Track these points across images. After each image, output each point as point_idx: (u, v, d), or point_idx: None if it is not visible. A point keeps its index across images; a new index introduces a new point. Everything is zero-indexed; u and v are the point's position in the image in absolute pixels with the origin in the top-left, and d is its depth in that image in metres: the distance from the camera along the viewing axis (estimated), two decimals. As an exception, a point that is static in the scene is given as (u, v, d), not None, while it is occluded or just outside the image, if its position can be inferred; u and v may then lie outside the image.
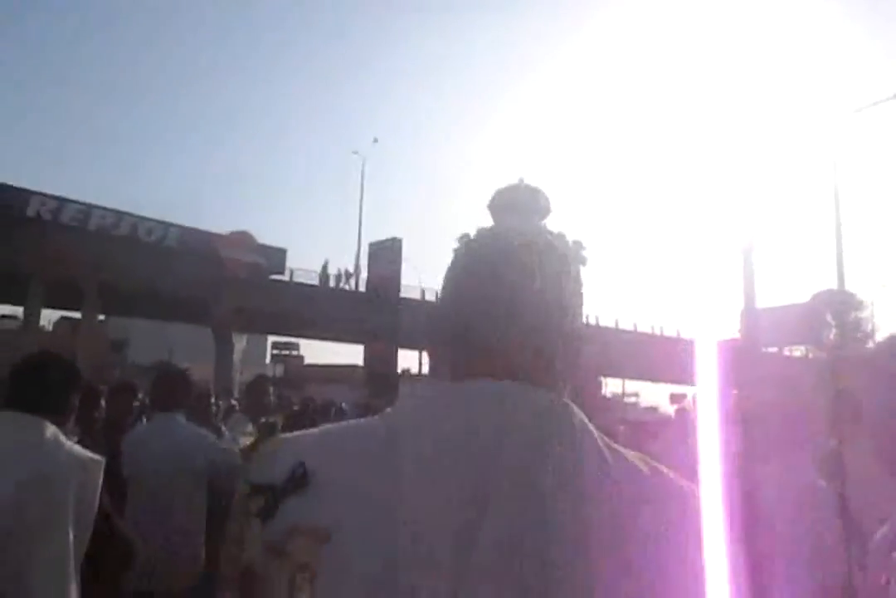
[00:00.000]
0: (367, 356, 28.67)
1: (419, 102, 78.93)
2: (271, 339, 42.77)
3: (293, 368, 38.73)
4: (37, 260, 21.52)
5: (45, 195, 21.52)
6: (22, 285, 22.90)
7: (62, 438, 2.04)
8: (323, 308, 26.41)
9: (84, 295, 25.01)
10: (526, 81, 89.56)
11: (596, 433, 0.73)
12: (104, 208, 22.27)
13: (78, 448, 2.06)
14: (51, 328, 29.09)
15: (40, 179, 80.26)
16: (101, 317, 29.94)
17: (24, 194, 21.25)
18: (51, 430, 2.04)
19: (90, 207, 22.00)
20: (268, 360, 43.77)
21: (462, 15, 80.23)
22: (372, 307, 27.48)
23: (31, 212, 20.96)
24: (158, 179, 75.47)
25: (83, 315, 26.91)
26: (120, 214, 22.39)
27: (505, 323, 0.79)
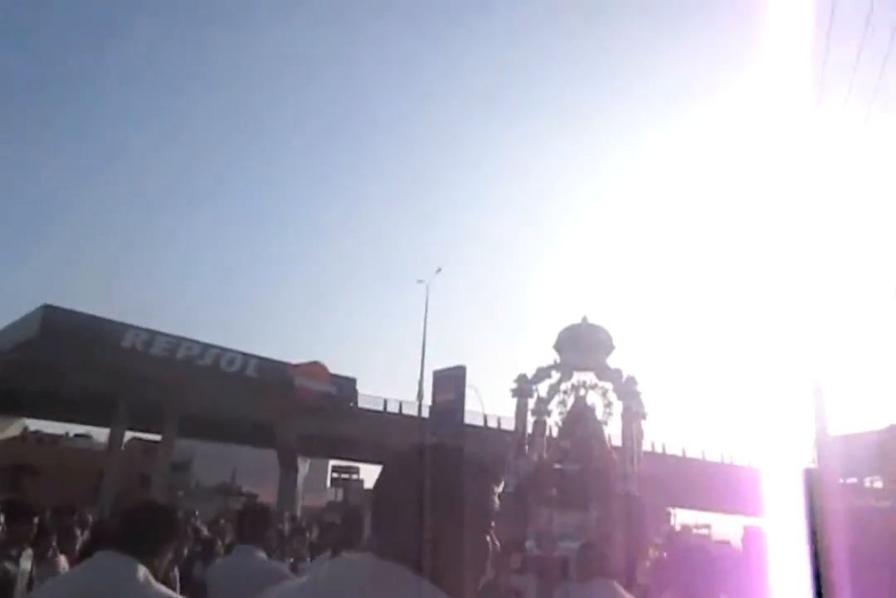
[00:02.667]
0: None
1: (483, 232, 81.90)
2: (332, 463, 42.12)
3: (353, 493, 37.91)
4: (126, 386, 22.66)
5: (139, 328, 22.89)
6: (109, 409, 24.05)
7: (152, 580, 2.27)
8: (387, 434, 26.37)
9: (165, 419, 25.95)
10: (589, 212, 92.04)
11: None
12: (191, 340, 23.50)
13: (165, 590, 2.30)
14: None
15: (133, 312, 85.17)
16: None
17: (120, 327, 22.67)
18: (143, 571, 2.27)
19: (179, 339, 23.26)
20: (328, 484, 42.97)
21: (527, 146, 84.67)
22: (435, 433, 27.30)
23: (125, 343, 22.23)
24: (237, 311, 79.00)
25: (163, 438, 27.70)
26: (205, 346, 23.57)
27: None
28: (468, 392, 31.65)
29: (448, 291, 76.88)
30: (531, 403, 18.34)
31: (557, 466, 16.17)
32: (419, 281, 35.04)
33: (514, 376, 18.56)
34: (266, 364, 24.34)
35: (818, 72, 8.17)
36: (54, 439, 32.24)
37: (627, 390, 17.27)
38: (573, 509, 14.99)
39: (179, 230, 79.11)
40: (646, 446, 35.55)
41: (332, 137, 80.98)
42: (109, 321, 22.45)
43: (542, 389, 18.45)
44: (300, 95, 79.49)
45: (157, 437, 28.41)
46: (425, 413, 30.03)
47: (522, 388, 18.25)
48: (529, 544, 11.38)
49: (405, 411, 30.82)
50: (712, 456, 41.06)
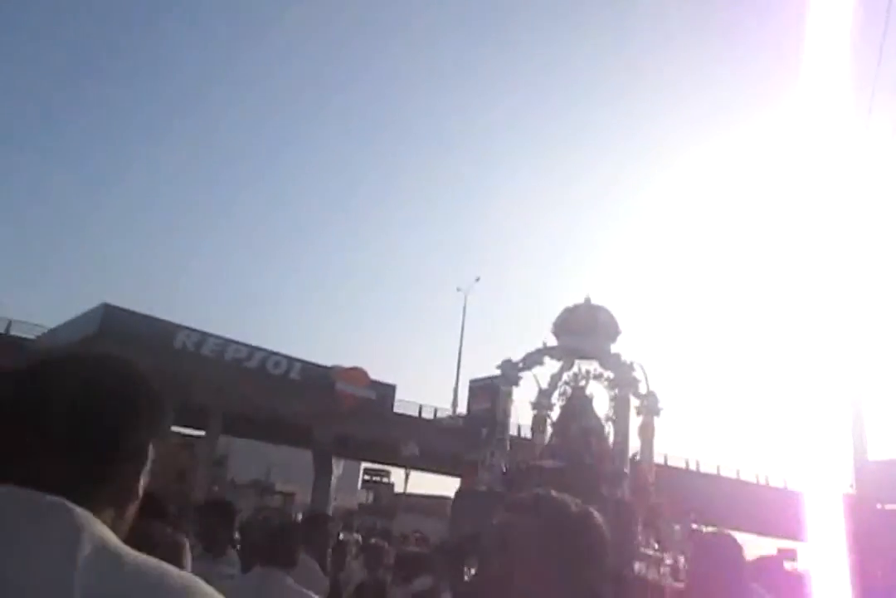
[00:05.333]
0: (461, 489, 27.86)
1: (522, 241, 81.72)
2: (364, 465, 42.19)
3: (383, 496, 37.78)
4: (175, 383, 23.01)
5: (190, 329, 23.33)
6: None
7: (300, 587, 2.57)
8: (422, 439, 26.32)
9: (209, 416, 26.45)
10: (630, 220, 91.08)
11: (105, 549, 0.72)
12: (239, 342, 23.86)
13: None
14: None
15: (187, 313, 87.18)
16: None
17: (173, 328, 23.13)
18: (290, 580, 2.58)
19: (227, 341, 23.63)
20: (359, 486, 43.07)
21: (558, 157, 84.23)
22: (469, 442, 27.10)
23: (177, 344, 22.66)
24: (282, 316, 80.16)
25: (206, 434, 28.23)
26: (252, 349, 23.90)
27: None
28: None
29: (487, 299, 76.33)
30: (518, 392, 15.89)
31: (538, 463, 14.16)
32: (458, 289, 35.13)
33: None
34: (309, 368, 24.56)
35: (868, 80, 7.91)
36: None
37: (629, 379, 14.89)
38: None
39: (233, 238, 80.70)
40: (678, 463, 34.86)
41: (371, 144, 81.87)
42: (163, 321, 22.92)
43: (543, 379, 16.05)
44: (332, 100, 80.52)
45: (195, 432, 29.04)
46: (461, 422, 29.91)
47: (508, 375, 15.75)
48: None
49: (440, 417, 30.71)
50: (747, 476, 39.95)
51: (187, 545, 2.36)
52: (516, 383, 15.74)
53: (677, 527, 14.30)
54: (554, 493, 1.11)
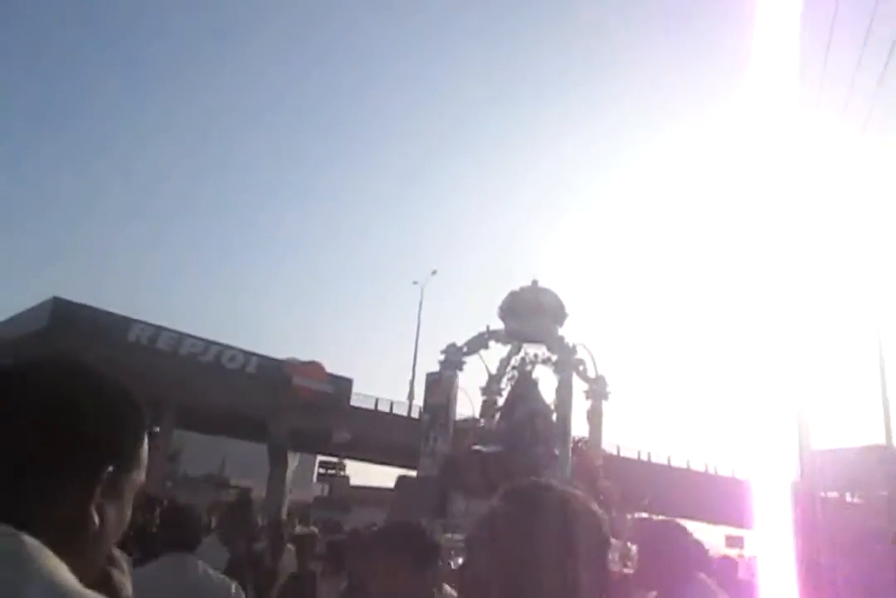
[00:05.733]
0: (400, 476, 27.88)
1: (476, 231, 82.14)
2: (319, 459, 42.01)
3: (339, 488, 37.64)
4: (128, 378, 22.51)
5: (144, 323, 22.83)
6: None
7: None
8: (376, 432, 26.34)
9: (164, 412, 26.04)
10: (586, 212, 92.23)
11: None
12: (195, 337, 23.44)
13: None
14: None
15: (141, 307, 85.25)
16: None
17: (126, 321, 22.59)
18: (198, 562, 2.68)
19: (182, 335, 23.19)
20: (314, 479, 42.88)
21: (522, 147, 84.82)
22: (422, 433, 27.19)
23: (131, 338, 22.16)
24: (237, 310, 79.12)
25: (161, 430, 27.78)
26: (208, 343, 23.50)
27: None
28: (460, 395, 31.66)
29: (443, 292, 76.71)
30: (468, 377, 15.39)
31: (478, 447, 13.66)
32: (414, 282, 34.91)
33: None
34: (266, 362, 24.30)
35: (817, 76, 8.13)
36: None
37: (572, 362, 14.65)
38: (491, 498, 12.17)
39: (184, 231, 79.12)
40: (631, 454, 35.47)
41: (326, 138, 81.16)
42: (116, 315, 22.37)
43: (493, 365, 15.73)
44: (293, 95, 79.67)
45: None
46: (415, 414, 29.99)
47: (451, 359, 15.26)
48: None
49: (396, 410, 30.66)
50: (697, 466, 40.96)
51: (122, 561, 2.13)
52: (460, 368, 15.31)
53: (629, 516, 14.35)
54: (556, 483, 1.02)
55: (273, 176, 79.48)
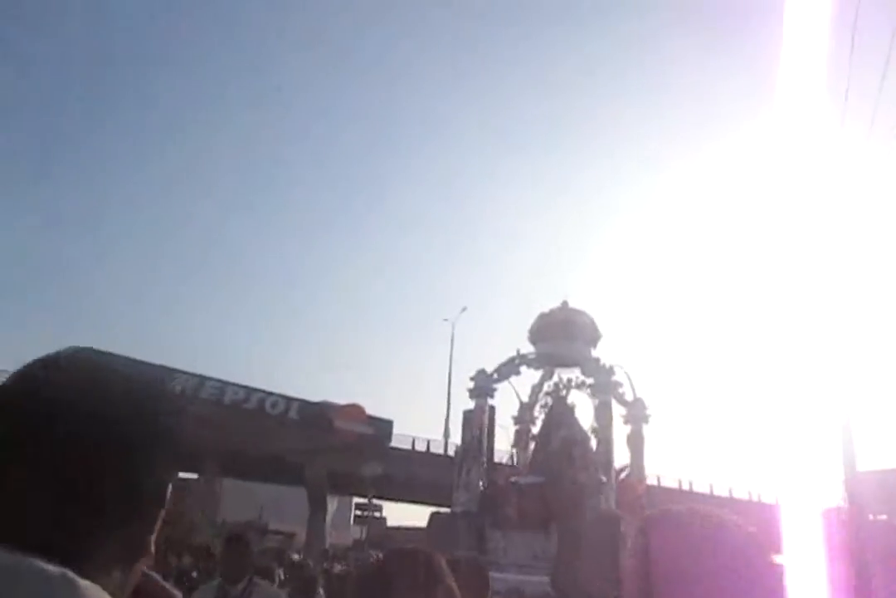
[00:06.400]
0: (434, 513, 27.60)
1: (502, 264, 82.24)
2: (355, 501, 41.90)
3: (376, 530, 37.49)
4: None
5: (187, 373, 23.48)
6: None
7: None
8: (414, 472, 26.40)
9: (206, 460, 26.60)
10: (613, 246, 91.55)
11: None
12: (237, 384, 24.04)
13: None
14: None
15: (184, 357, 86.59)
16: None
17: (168, 372, 23.27)
18: None
19: (225, 383, 23.80)
20: (351, 521, 42.75)
21: (548, 183, 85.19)
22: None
23: (175, 388, 22.80)
24: (264, 353, 79.92)
25: (204, 477, 28.28)
26: (250, 390, 24.09)
27: None
28: (498, 431, 31.58)
29: (475, 328, 76.66)
30: (492, 403, 14.73)
31: (514, 479, 13.15)
32: (445, 320, 34.87)
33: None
34: (307, 407, 24.78)
35: (842, 92, 8.16)
36: None
37: (610, 384, 13.87)
38: (531, 530, 11.53)
39: (220, 278, 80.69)
40: (671, 483, 34.85)
41: (353, 174, 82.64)
42: (157, 366, 23.05)
43: (524, 392, 14.98)
44: (322, 124, 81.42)
45: (188, 475, 29.04)
46: (451, 451, 29.98)
47: (481, 386, 14.50)
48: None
49: (433, 449, 30.74)
50: (740, 493, 40.02)
51: None
52: (491, 395, 14.61)
53: None
54: (706, 510, 0.96)
55: (299, 216, 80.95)
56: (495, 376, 14.64)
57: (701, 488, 38.00)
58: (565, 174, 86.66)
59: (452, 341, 34.63)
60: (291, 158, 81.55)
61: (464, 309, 35.84)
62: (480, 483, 13.55)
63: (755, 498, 39.87)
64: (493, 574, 9.54)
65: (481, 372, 14.55)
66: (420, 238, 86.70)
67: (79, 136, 73.54)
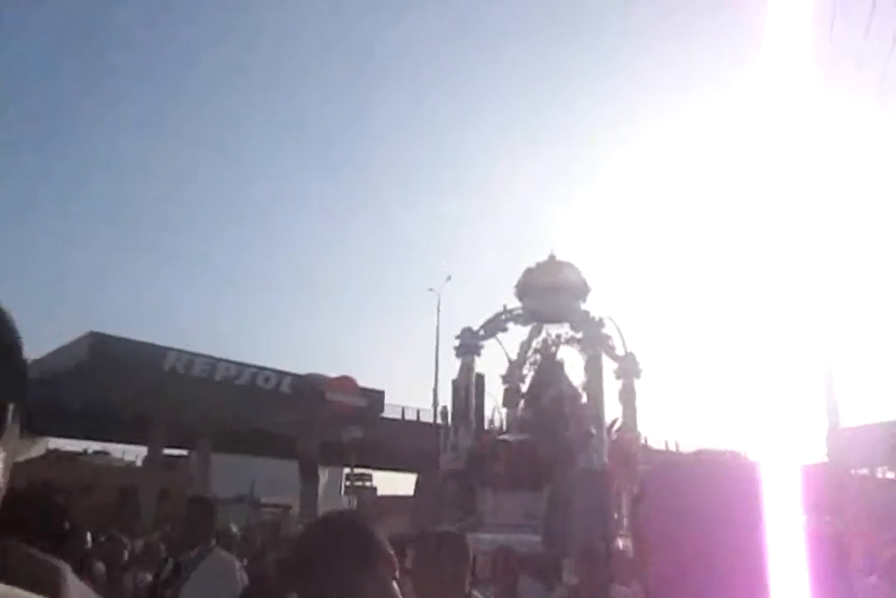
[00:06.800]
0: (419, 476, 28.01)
1: (485, 229, 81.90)
2: (345, 471, 42.22)
3: (367, 500, 38.02)
4: (166, 406, 23.45)
5: (179, 350, 23.50)
6: (148, 427, 25.39)
7: None
8: (405, 441, 26.83)
9: (199, 437, 26.98)
10: (598, 210, 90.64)
11: None
12: (228, 361, 24.10)
13: None
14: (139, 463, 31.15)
15: (175, 333, 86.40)
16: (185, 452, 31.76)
17: (161, 351, 23.28)
18: None
19: (216, 360, 23.84)
20: (342, 492, 43.28)
21: (532, 147, 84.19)
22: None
23: (167, 366, 22.83)
24: (255, 327, 79.79)
25: (198, 454, 28.75)
26: (242, 366, 24.16)
27: None
28: (486, 400, 31.83)
29: (460, 295, 76.94)
30: (478, 360, 14.10)
31: (504, 436, 12.79)
32: (430, 289, 34.20)
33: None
34: (299, 380, 24.91)
35: (826, 54, 7.99)
36: (72, 456, 32.42)
37: (599, 337, 13.38)
38: (522, 489, 11.36)
39: (205, 254, 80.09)
40: (659, 445, 35.44)
41: (336, 146, 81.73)
42: (151, 345, 23.05)
43: (512, 350, 14.67)
44: (308, 100, 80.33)
45: (180, 451, 29.45)
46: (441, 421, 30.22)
47: (467, 344, 14.09)
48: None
49: (423, 419, 30.87)
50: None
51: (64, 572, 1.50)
52: (477, 353, 14.19)
53: None
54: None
55: (288, 188, 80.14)
56: (482, 332, 14.18)
57: (687, 448, 38.60)
58: (547, 122, 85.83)
59: (439, 310, 34.09)
60: (273, 124, 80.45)
61: (448, 278, 35.10)
62: (468, 444, 13.10)
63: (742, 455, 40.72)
64: (483, 535, 9.17)
65: (467, 329, 14.10)
66: (401, 202, 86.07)
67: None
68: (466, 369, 14.10)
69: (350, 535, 1.50)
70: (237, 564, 3.89)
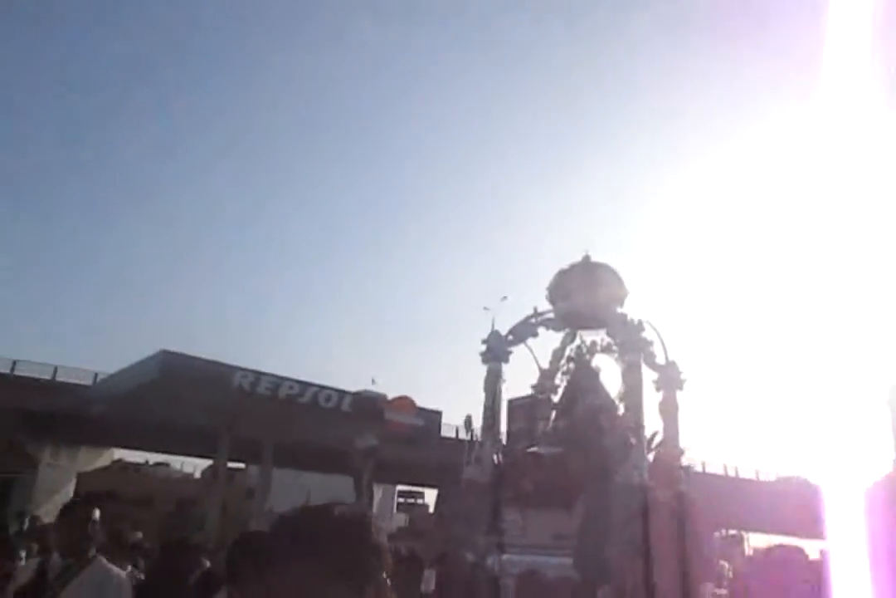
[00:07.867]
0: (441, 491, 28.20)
1: (546, 256, 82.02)
2: (398, 488, 42.43)
3: (418, 517, 38.25)
4: (232, 422, 24.51)
5: (245, 370, 24.46)
6: (212, 442, 26.47)
7: None
8: (459, 460, 27.11)
9: (262, 451, 27.85)
10: (652, 236, 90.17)
11: None
12: (292, 379, 24.96)
13: None
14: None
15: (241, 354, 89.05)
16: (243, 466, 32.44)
17: (229, 369, 24.26)
18: None
19: (281, 379, 24.72)
20: (394, 509, 43.52)
21: (564, 124, 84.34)
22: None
23: (234, 383, 23.77)
24: (326, 351, 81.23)
25: (260, 467, 29.66)
26: (304, 385, 24.97)
27: None
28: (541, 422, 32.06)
29: (517, 315, 76.63)
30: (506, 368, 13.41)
31: (534, 449, 11.94)
32: (485, 308, 34.36)
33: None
34: (359, 399, 25.65)
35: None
36: (136, 467, 33.67)
37: (638, 342, 12.30)
38: (552, 506, 10.46)
39: (275, 282, 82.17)
40: (696, 466, 34.78)
41: (391, 171, 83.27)
42: (220, 364, 24.04)
43: (544, 359, 13.83)
44: (365, 123, 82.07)
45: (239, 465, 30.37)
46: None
47: (494, 350, 13.30)
48: (469, 555, 8.59)
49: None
50: (766, 476, 39.57)
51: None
52: (505, 360, 13.41)
53: (717, 533, 12.15)
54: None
55: (343, 215, 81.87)
56: (510, 337, 13.37)
57: (720, 469, 36.73)
58: (587, 126, 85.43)
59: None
60: (332, 142, 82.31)
61: (504, 298, 35.39)
62: (495, 457, 12.30)
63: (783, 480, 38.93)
64: (509, 557, 9.07)
65: (494, 333, 13.20)
66: (462, 236, 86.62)
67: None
68: (493, 376, 13.27)
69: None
70: (123, 577, 3.96)
